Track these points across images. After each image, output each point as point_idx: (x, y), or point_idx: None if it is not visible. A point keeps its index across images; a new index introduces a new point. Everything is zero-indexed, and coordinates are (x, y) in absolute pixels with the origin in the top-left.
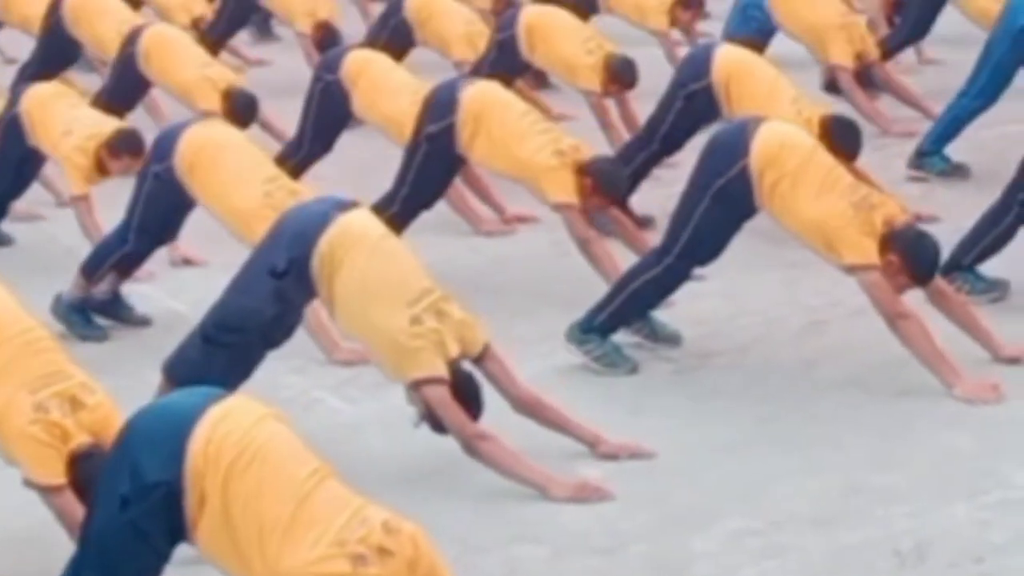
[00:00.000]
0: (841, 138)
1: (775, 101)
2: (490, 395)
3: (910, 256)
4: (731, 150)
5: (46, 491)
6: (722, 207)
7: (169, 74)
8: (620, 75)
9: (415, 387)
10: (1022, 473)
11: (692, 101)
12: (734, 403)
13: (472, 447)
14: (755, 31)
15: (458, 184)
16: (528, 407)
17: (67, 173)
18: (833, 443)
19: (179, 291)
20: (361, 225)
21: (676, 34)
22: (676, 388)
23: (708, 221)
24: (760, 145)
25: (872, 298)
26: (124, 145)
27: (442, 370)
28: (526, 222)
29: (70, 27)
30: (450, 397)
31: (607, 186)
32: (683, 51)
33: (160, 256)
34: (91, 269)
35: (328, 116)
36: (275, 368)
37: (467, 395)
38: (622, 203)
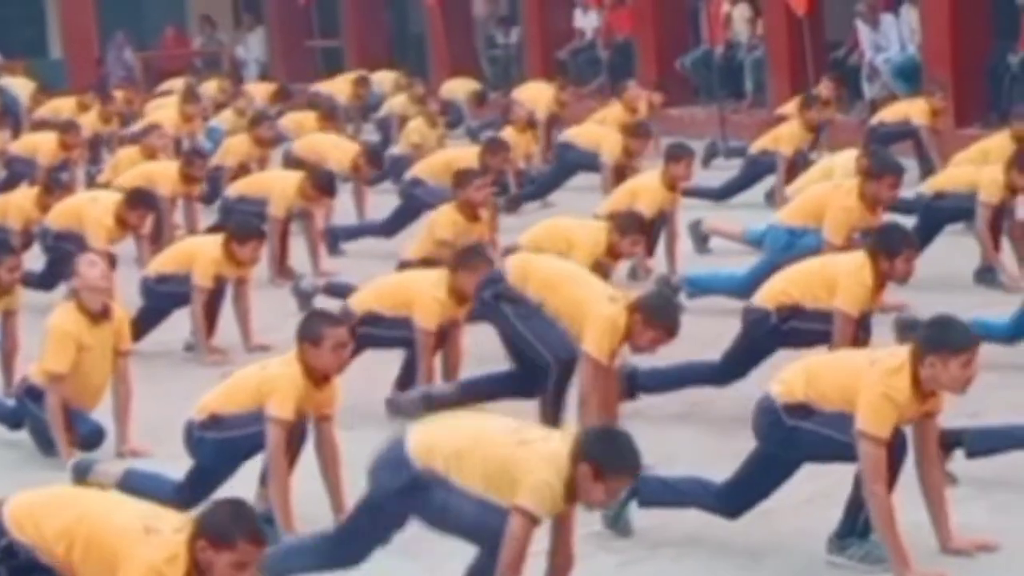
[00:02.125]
0: (887, 245)
1: None
2: None
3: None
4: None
5: None
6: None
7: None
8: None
9: (514, 509)
10: None
11: None
12: None
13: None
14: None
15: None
16: (558, 564)
17: (51, 347)
18: None
19: None
20: (432, 424)
21: None
22: None
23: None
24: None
25: (861, 468)
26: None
27: (542, 514)
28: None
29: None
30: (529, 539)
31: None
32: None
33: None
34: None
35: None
36: None
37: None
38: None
